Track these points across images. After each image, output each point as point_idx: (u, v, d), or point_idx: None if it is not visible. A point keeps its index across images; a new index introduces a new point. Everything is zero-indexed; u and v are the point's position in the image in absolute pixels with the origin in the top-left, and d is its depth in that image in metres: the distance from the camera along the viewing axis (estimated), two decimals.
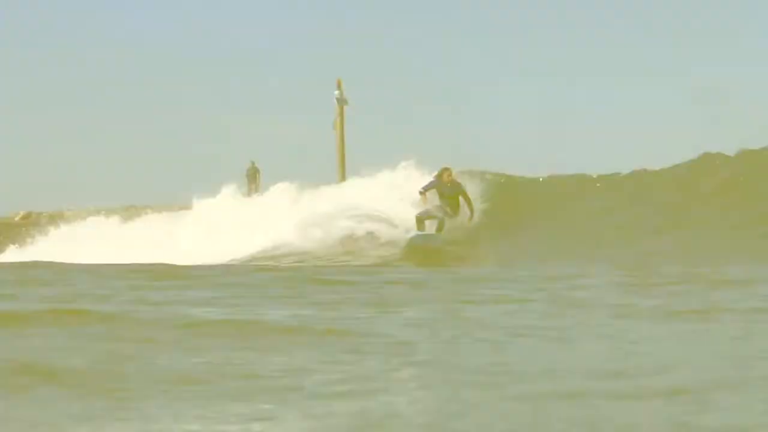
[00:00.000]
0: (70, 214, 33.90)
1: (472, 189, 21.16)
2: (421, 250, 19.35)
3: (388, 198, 22.44)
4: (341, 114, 33.62)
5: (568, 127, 62.30)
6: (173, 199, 31.43)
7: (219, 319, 6.94)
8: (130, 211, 32.47)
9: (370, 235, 21.26)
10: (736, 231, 18.15)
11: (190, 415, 4.09)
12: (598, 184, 23.09)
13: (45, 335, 6.14)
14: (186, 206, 28.84)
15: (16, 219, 36.66)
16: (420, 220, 20.03)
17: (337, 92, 33.40)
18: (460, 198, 20.24)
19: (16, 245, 31.01)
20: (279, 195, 26.82)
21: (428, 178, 21.39)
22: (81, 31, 67.25)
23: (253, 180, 35.94)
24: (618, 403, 4.20)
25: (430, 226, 20.04)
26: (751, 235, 17.70)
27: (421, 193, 20.20)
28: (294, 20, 69.36)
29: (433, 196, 20.24)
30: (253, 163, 36.78)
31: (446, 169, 20.21)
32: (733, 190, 19.89)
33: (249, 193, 32.08)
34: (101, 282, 10.06)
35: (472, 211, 20.30)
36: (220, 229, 24.96)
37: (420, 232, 19.84)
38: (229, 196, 28.22)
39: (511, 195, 23.02)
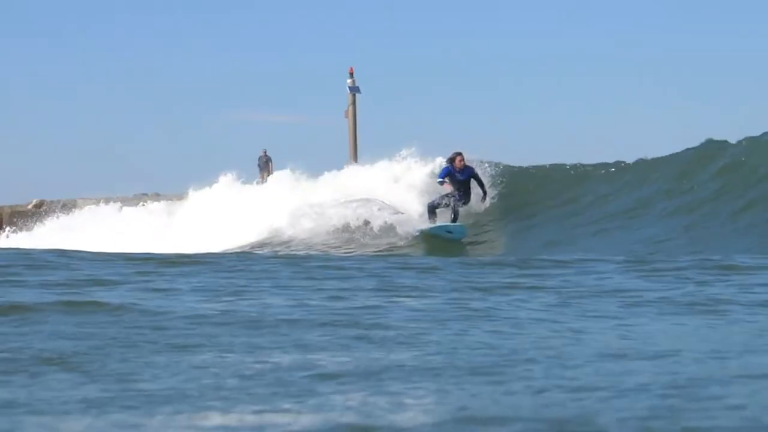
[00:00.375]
0: (82, 202, 34.07)
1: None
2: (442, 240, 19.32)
3: (390, 185, 22.39)
4: (354, 102, 33.64)
5: (570, 118, 62.34)
6: (180, 188, 31.53)
7: (225, 308, 6.96)
8: (141, 199, 32.59)
9: (370, 223, 21.18)
10: (739, 217, 18.16)
11: (198, 403, 4.13)
12: (602, 171, 23.03)
13: (55, 323, 6.19)
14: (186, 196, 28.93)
15: (29, 207, 36.89)
16: (431, 209, 19.97)
17: (349, 81, 33.41)
18: (472, 181, 20.18)
19: (28, 231, 31.23)
20: (278, 183, 26.75)
21: (430, 167, 21.29)
22: (85, 33, 67.53)
23: (265, 168, 35.97)
24: (622, 396, 4.21)
25: (441, 216, 19.99)
26: (755, 221, 17.70)
27: (441, 183, 20.06)
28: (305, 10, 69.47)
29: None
30: (265, 152, 36.81)
31: (458, 153, 20.06)
32: (737, 177, 19.87)
33: (262, 182, 32.11)
34: (108, 269, 10.08)
35: (485, 192, 20.24)
36: (217, 218, 24.95)
37: (436, 223, 19.76)
38: (226, 185, 28.17)
39: (518, 183, 22.98)
